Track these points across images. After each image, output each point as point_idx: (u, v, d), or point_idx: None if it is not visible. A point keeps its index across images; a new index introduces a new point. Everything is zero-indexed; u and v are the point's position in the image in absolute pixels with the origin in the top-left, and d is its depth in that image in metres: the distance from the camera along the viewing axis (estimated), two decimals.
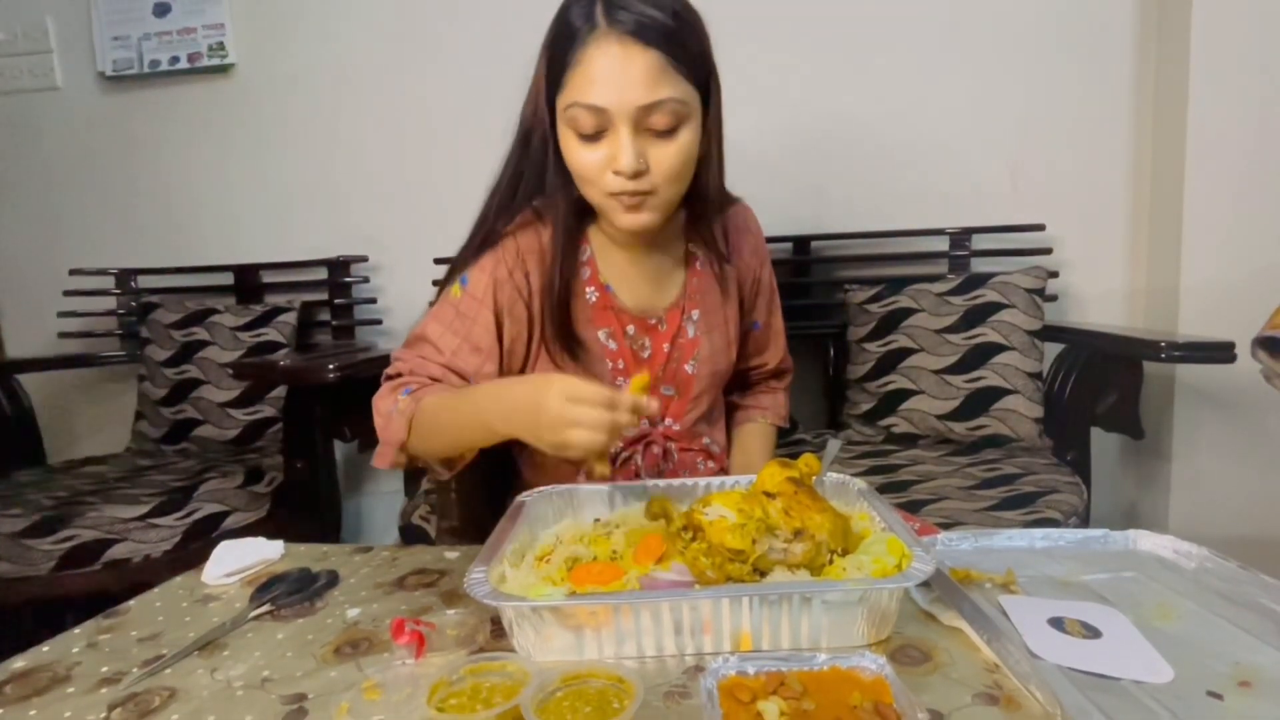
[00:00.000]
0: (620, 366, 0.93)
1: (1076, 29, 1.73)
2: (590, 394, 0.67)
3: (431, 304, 0.93)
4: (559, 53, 0.77)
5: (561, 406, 0.67)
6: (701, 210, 0.90)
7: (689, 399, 0.98)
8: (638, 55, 0.73)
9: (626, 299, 0.93)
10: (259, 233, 2.08)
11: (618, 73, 0.73)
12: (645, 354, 0.95)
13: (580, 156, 0.79)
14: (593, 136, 0.77)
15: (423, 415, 0.80)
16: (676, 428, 0.98)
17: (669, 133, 0.77)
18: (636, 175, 0.77)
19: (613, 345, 0.92)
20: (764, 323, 1.07)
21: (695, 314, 0.96)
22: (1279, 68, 1.53)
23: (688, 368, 0.96)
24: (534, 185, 0.87)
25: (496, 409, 0.74)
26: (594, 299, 0.92)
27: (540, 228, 0.89)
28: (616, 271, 0.93)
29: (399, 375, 0.86)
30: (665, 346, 0.95)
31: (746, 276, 1.02)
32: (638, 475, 0.96)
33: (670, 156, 0.78)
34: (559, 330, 0.88)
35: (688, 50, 0.76)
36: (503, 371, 0.90)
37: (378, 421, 0.83)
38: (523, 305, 0.88)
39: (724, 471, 1.03)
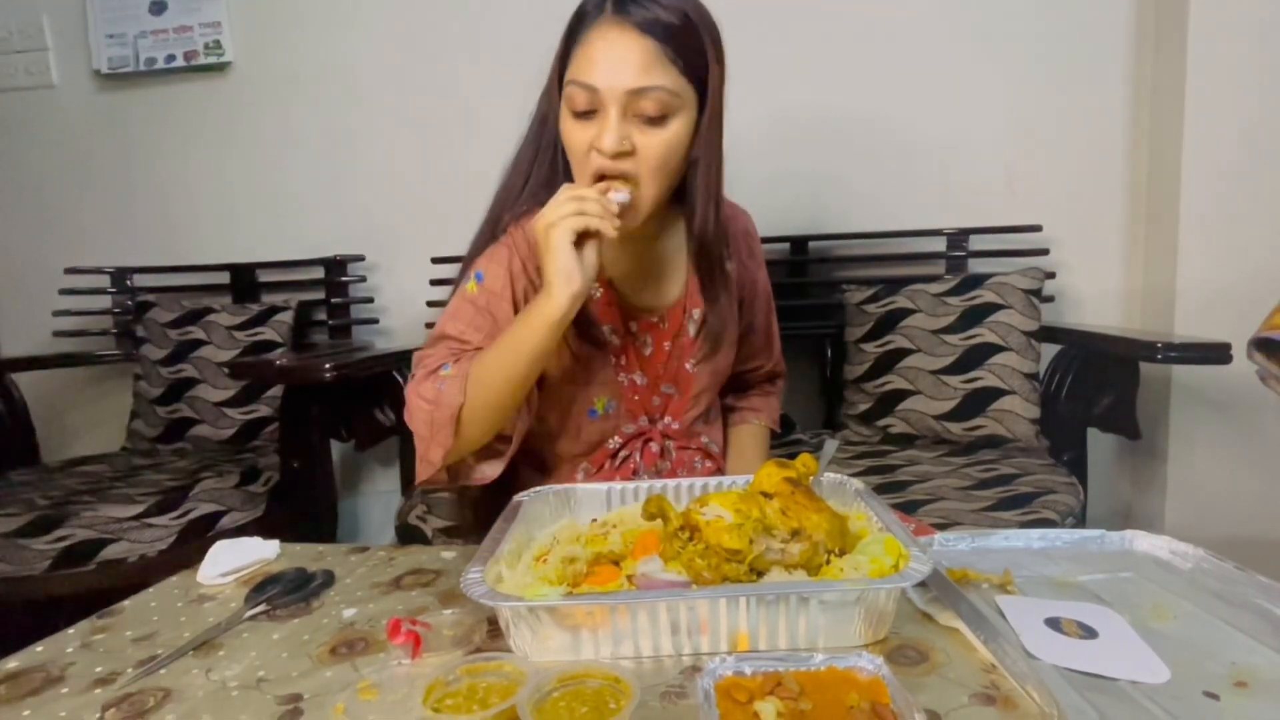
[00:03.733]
0: (622, 363, 0.93)
1: (1073, 31, 1.73)
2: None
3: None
4: (570, 34, 0.82)
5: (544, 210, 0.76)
6: (693, 214, 0.89)
7: (689, 397, 0.98)
8: (634, 42, 0.77)
9: (630, 296, 0.94)
10: (255, 231, 2.08)
11: (612, 56, 0.77)
12: (647, 351, 0.95)
13: (571, 132, 0.81)
14: (585, 114, 0.80)
15: (477, 368, 0.80)
16: (676, 426, 0.98)
17: (657, 121, 0.79)
18: (618, 156, 0.79)
19: (616, 341, 0.93)
20: (760, 326, 1.08)
21: (696, 313, 0.96)
22: (1275, 69, 1.53)
23: (688, 366, 0.97)
24: (547, 170, 0.88)
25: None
26: (598, 295, 0.92)
27: None
28: (620, 268, 0.93)
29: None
30: (666, 345, 0.96)
31: (744, 279, 1.03)
32: (636, 473, 0.96)
33: (656, 144, 0.79)
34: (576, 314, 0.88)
35: (687, 47, 0.79)
36: None
37: (420, 410, 0.80)
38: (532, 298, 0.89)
39: (721, 471, 1.04)
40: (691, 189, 0.87)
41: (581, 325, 0.89)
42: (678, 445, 0.99)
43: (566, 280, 0.75)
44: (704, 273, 0.94)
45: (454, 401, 0.79)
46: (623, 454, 0.96)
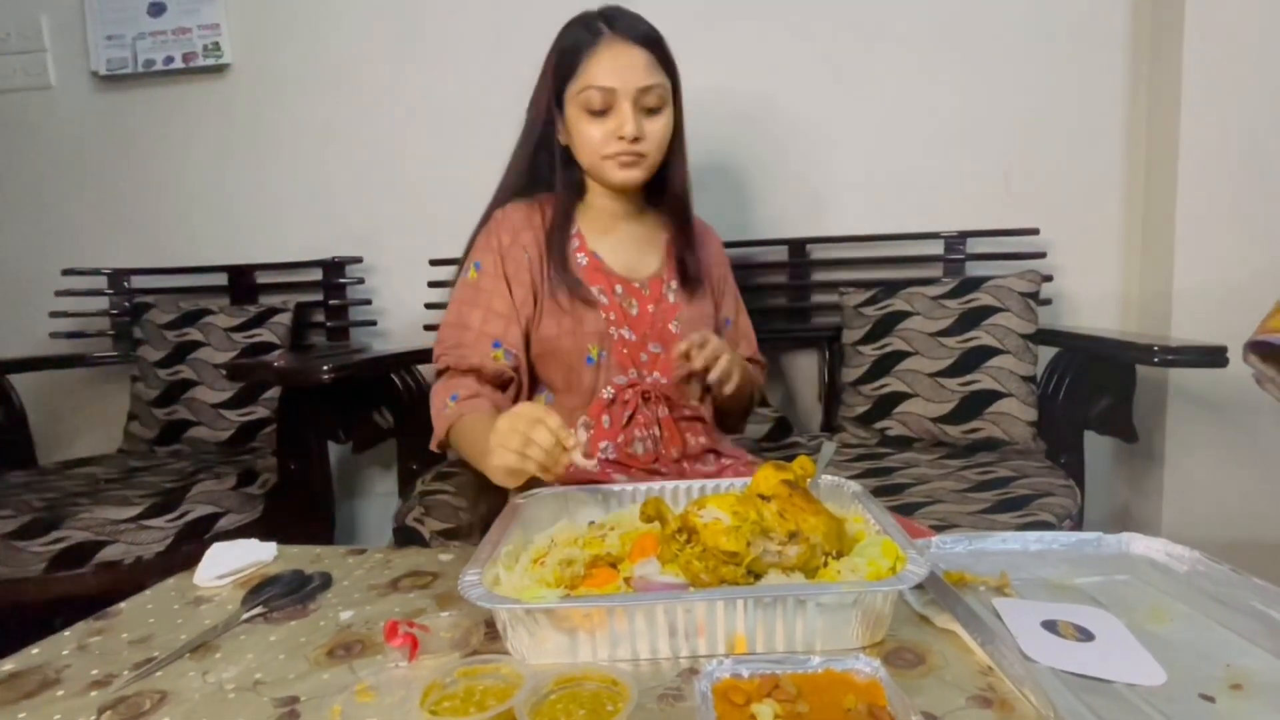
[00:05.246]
0: (613, 318, 1.03)
1: (1071, 34, 1.74)
2: (527, 411, 0.75)
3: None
4: (568, 56, 0.99)
5: (501, 420, 0.75)
6: (672, 177, 1.07)
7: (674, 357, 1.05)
8: (637, 52, 0.98)
9: (613, 263, 1.06)
10: (253, 233, 2.07)
11: (623, 63, 0.97)
12: (633, 311, 1.05)
13: (589, 130, 0.99)
14: (600, 113, 0.98)
15: (455, 432, 0.93)
16: (664, 381, 1.05)
17: (657, 111, 1.00)
18: (635, 140, 0.98)
19: (605, 300, 1.04)
20: (733, 321, 1.21)
21: (674, 284, 1.09)
22: (1271, 73, 1.54)
23: (671, 326, 1.06)
24: (548, 171, 1.05)
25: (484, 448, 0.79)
26: (584, 263, 1.05)
27: (531, 211, 1.05)
28: (602, 242, 1.07)
29: (446, 368, 0.99)
30: (650, 308, 1.07)
31: (713, 272, 1.16)
32: (634, 433, 1.00)
33: (659, 128, 1.01)
34: (559, 266, 1.01)
35: (665, 56, 1.01)
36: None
37: (432, 404, 0.97)
38: (525, 271, 1.02)
39: (714, 450, 1.08)
40: (672, 165, 1.07)
41: (572, 286, 1.02)
42: (672, 413, 1.05)
43: (499, 476, 0.77)
44: (681, 222, 1.10)
45: (441, 429, 0.94)
46: (618, 408, 1.01)
